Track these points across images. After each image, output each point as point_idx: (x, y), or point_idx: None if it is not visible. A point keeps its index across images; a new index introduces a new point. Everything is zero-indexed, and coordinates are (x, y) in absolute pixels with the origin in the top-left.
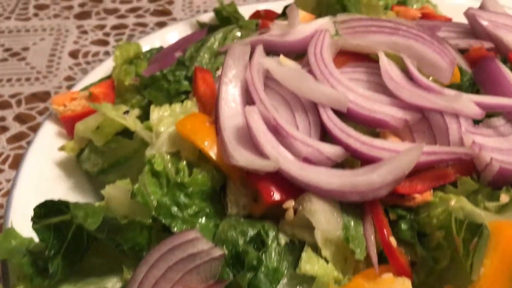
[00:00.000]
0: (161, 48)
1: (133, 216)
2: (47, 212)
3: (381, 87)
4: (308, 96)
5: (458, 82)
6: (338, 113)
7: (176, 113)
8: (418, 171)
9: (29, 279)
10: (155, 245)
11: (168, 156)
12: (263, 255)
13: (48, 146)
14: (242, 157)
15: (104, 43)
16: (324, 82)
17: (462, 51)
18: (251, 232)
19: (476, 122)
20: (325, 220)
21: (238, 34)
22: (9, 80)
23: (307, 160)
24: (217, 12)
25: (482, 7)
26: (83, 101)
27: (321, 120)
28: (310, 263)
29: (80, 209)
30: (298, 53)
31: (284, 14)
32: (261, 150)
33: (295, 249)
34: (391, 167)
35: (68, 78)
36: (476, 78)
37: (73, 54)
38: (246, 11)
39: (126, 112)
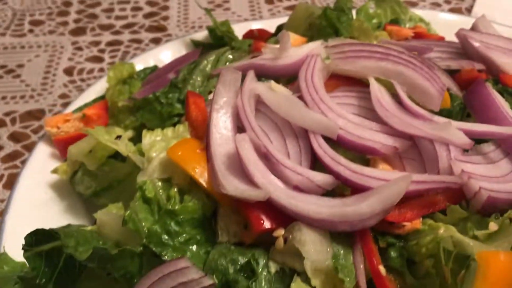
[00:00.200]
0: (155, 67)
1: (125, 242)
2: (39, 240)
3: (372, 112)
4: (298, 122)
5: (448, 107)
6: (328, 138)
7: (168, 138)
8: (407, 199)
9: None
10: (146, 272)
11: (160, 183)
12: (253, 284)
13: (41, 168)
14: (232, 186)
15: (99, 60)
16: (315, 108)
17: (454, 72)
18: (241, 261)
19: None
20: (315, 250)
21: (231, 56)
22: (3, 98)
23: (297, 188)
24: (211, 30)
25: (474, 28)
26: (77, 123)
27: (312, 147)
28: None
29: (71, 237)
30: (290, 77)
31: (277, 33)
32: (251, 178)
33: (285, 277)
34: (380, 197)
35: (63, 96)
36: (467, 102)
37: (68, 71)
38: (240, 29)
39: (119, 136)
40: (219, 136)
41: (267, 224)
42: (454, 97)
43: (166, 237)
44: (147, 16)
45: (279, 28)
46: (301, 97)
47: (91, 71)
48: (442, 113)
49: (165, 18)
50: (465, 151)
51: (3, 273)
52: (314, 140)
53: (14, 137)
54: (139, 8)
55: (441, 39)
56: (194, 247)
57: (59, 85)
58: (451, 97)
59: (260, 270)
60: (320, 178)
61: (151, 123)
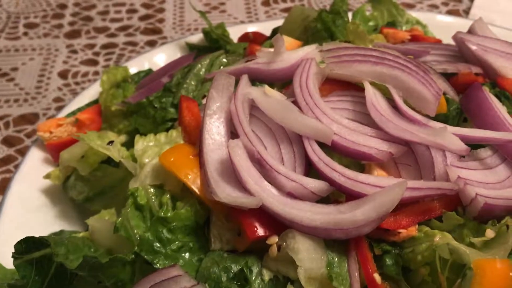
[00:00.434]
0: (149, 70)
1: (117, 249)
2: (29, 248)
3: (367, 117)
4: (293, 128)
5: (444, 112)
6: (323, 144)
7: (161, 143)
8: (402, 206)
9: None
10: (138, 280)
11: (152, 189)
12: None
13: (34, 173)
14: (224, 193)
15: (94, 62)
16: (309, 113)
17: (451, 75)
18: (234, 269)
19: None
20: (309, 258)
21: (225, 60)
22: None
23: (291, 194)
24: (206, 33)
25: (471, 31)
26: (70, 128)
27: (306, 152)
28: None
29: (61, 245)
30: (285, 81)
31: (272, 37)
32: (243, 185)
33: (279, 285)
34: (375, 204)
35: (57, 100)
36: (463, 107)
37: (63, 75)
38: (235, 31)
39: (111, 142)
40: (212, 142)
41: (260, 232)
42: (450, 101)
43: (158, 245)
44: (143, 18)
45: (275, 31)
46: (295, 102)
47: (85, 74)
48: (438, 118)
49: (161, 21)
50: (462, 156)
51: None
52: (308, 146)
53: (8, 141)
54: (134, 11)
55: (438, 41)
56: (187, 255)
57: (53, 88)
58: (447, 101)
59: (253, 278)
60: (314, 184)
61: (144, 127)
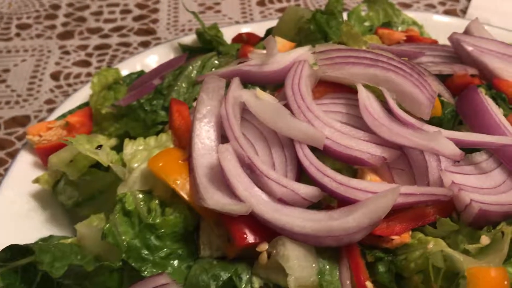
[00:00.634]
0: (141, 72)
1: (105, 256)
2: (14, 256)
3: (360, 121)
4: (284, 132)
5: (439, 115)
6: (315, 148)
7: (151, 147)
8: (396, 212)
9: None
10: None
11: (141, 195)
12: None
13: (23, 177)
14: (213, 200)
15: (87, 64)
16: (301, 116)
17: (446, 77)
18: (224, 276)
19: None
20: (299, 266)
21: (217, 62)
22: None
23: (281, 200)
24: (199, 34)
25: (467, 31)
26: (60, 131)
27: (298, 157)
28: None
29: (47, 252)
30: (277, 84)
31: (266, 37)
32: (233, 191)
33: None
34: (367, 210)
35: (49, 102)
36: (459, 109)
37: (55, 76)
38: (230, 32)
39: (99, 146)
40: (202, 146)
41: (250, 239)
42: (445, 104)
43: (146, 252)
44: (137, 19)
45: (269, 32)
46: (287, 105)
47: (78, 75)
48: (432, 121)
49: (155, 21)
50: (457, 161)
51: None
52: (300, 150)
53: None
54: (128, 11)
55: (434, 42)
56: (176, 262)
57: (45, 90)
58: (442, 104)
59: (243, 286)
60: (305, 190)
61: (135, 131)
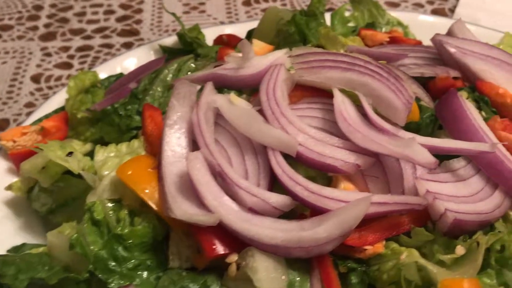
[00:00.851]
0: (120, 75)
1: (74, 266)
2: None
3: (336, 126)
4: (257, 138)
5: (417, 120)
6: (289, 155)
7: (122, 154)
8: (368, 221)
9: None
10: None
11: (110, 203)
12: None
13: None
14: (180, 210)
15: (68, 66)
16: (275, 122)
17: (429, 79)
18: None
19: None
20: (268, 278)
21: (193, 65)
22: None
23: (252, 210)
24: (180, 36)
25: (450, 33)
26: (34, 136)
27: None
28: None
29: (11, 265)
30: (254, 88)
31: (248, 39)
32: (201, 201)
33: None
34: (337, 220)
35: (29, 105)
36: (438, 113)
37: (35, 79)
38: (213, 33)
39: (70, 153)
40: (172, 154)
41: (219, 250)
42: (424, 108)
43: (113, 263)
44: (120, 19)
45: (250, 34)
46: (261, 111)
47: (59, 78)
48: (410, 126)
49: (138, 22)
50: (433, 168)
51: None
52: (272, 157)
53: None
54: (111, 12)
55: (418, 43)
56: (145, 273)
57: (25, 93)
58: (421, 108)
59: None
60: (276, 199)
61: (110, 136)
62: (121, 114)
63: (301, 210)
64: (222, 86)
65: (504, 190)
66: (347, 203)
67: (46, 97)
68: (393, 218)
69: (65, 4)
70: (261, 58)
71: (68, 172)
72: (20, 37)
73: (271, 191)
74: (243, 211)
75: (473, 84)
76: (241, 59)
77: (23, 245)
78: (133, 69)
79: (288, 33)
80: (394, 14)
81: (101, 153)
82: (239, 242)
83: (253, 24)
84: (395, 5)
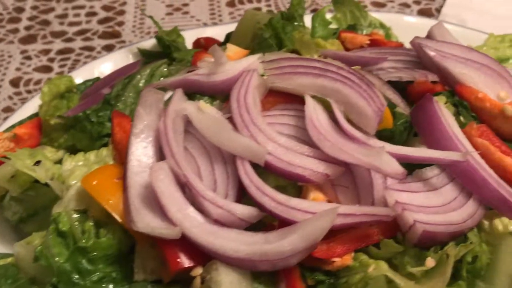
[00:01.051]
0: (97, 79)
1: (41, 278)
2: None
3: (308, 133)
4: (226, 147)
5: (390, 127)
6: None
7: (90, 163)
8: (337, 232)
9: None
10: None
11: (76, 214)
12: None
13: None
14: (143, 223)
15: (48, 69)
16: (244, 131)
17: (408, 84)
18: None
19: (408, 172)
20: None
21: (165, 70)
22: None
23: (218, 222)
24: (159, 39)
25: (429, 35)
26: (7, 143)
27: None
28: None
29: None
30: (227, 94)
31: (226, 43)
32: (165, 213)
33: None
34: (302, 233)
35: (7, 110)
36: (413, 120)
37: (14, 83)
38: (192, 35)
39: (38, 162)
40: (137, 164)
41: (184, 263)
42: (398, 115)
43: (77, 276)
44: (102, 21)
45: (228, 37)
46: (232, 118)
47: (38, 82)
48: (383, 134)
49: (120, 24)
50: (409, 173)
51: None
52: (241, 167)
53: None
54: (94, 13)
55: (399, 46)
56: (110, 286)
57: (3, 97)
58: (395, 115)
59: None
60: (242, 211)
61: (81, 143)
62: (93, 120)
63: (270, 220)
64: (195, 92)
65: (479, 199)
66: (314, 214)
67: (24, 102)
68: (362, 229)
69: (47, 6)
70: (234, 64)
71: (38, 181)
72: (0, 40)
73: (240, 201)
74: (208, 223)
75: (453, 88)
76: (214, 64)
77: None
78: (108, 74)
79: (263, 37)
80: (377, 15)
81: (69, 162)
82: (204, 255)
83: (229, 27)
84: (381, 5)
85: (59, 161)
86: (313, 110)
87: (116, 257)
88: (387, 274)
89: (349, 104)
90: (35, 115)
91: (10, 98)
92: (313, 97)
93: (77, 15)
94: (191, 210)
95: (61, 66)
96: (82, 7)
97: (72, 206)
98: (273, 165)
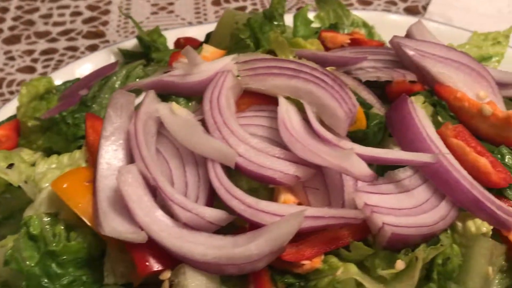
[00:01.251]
0: (77, 80)
1: (14, 282)
2: None
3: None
4: (197, 149)
5: (363, 128)
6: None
7: (63, 166)
8: (306, 235)
9: None
10: None
11: (47, 218)
12: None
13: None
14: (110, 227)
15: (31, 70)
16: (216, 133)
17: (388, 83)
18: None
19: (381, 173)
20: None
21: (141, 71)
22: None
23: (187, 225)
24: (140, 39)
25: (408, 35)
26: None
27: None
28: None
29: None
30: (201, 95)
31: (207, 42)
32: (132, 217)
33: None
34: (269, 237)
35: None
36: (388, 120)
37: None
38: (174, 35)
39: (11, 165)
40: (107, 167)
41: (152, 266)
42: (372, 116)
43: (46, 280)
44: (86, 21)
45: (208, 37)
46: (204, 120)
47: (21, 83)
48: (357, 135)
49: (105, 23)
50: (380, 174)
51: None
52: (211, 170)
53: None
54: (78, 13)
55: (380, 45)
56: None
57: None
58: (368, 116)
59: None
60: (211, 214)
61: (58, 145)
62: (69, 122)
63: (242, 223)
64: (170, 93)
65: (452, 201)
66: (282, 217)
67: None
68: (332, 232)
69: (31, 6)
70: (209, 64)
71: None
72: None
73: (211, 204)
74: (177, 227)
75: (432, 87)
76: (188, 65)
77: None
78: (86, 75)
79: (239, 37)
80: (361, 14)
81: (42, 165)
82: (173, 259)
83: (209, 27)
84: (367, 3)
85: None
86: (286, 112)
87: (87, 260)
88: (356, 277)
89: (321, 105)
90: (14, 116)
91: None
92: (287, 98)
93: (62, 14)
94: (160, 214)
95: (44, 67)
96: (67, 6)
97: (44, 209)
98: (244, 168)
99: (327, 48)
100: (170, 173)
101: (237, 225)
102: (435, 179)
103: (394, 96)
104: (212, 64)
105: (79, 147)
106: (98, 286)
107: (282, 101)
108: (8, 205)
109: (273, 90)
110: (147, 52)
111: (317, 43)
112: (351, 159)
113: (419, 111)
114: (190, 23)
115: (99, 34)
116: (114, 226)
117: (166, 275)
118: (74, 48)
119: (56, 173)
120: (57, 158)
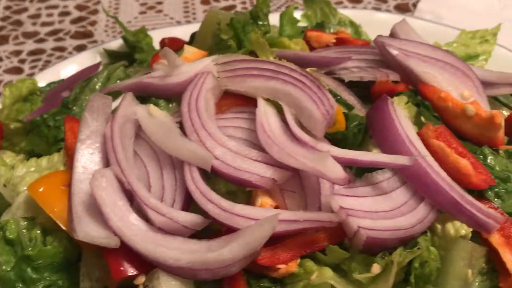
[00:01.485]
0: (62, 81)
1: None
2: None
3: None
4: (173, 152)
5: (343, 129)
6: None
7: (42, 169)
8: (281, 239)
9: None
10: None
11: (24, 222)
12: None
13: None
14: (83, 232)
15: (19, 71)
16: (193, 135)
17: (372, 83)
18: None
19: (361, 176)
20: None
21: (122, 73)
22: None
23: (162, 230)
24: (125, 39)
25: (392, 34)
26: None
27: None
28: None
29: None
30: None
31: (191, 43)
32: (106, 222)
33: None
34: (242, 241)
35: None
36: (368, 121)
37: None
38: (160, 35)
39: None
40: (83, 171)
41: (126, 271)
42: (352, 117)
43: (21, 286)
44: (75, 21)
45: (193, 37)
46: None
47: (7, 84)
48: (336, 137)
49: (93, 23)
50: (358, 176)
51: None
52: (188, 173)
53: None
54: (67, 13)
55: (365, 44)
56: None
57: None
58: (347, 117)
59: None
60: (185, 218)
61: (39, 148)
62: (50, 125)
63: (219, 227)
64: (150, 95)
65: (431, 203)
66: (257, 221)
67: None
68: (308, 235)
69: (20, 6)
70: (189, 66)
71: None
72: None
73: (188, 207)
74: (151, 231)
75: (416, 87)
76: (168, 66)
77: None
78: (69, 76)
79: (220, 38)
80: (348, 12)
81: (21, 168)
82: (148, 263)
83: (194, 27)
84: (357, 1)
85: None
86: (264, 114)
87: (62, 265)
88: (331, 282)
89: (299, 107)
90: None
91: None
92: (267, 99)
93: (50, 15)
94: (134, 218)
95: (31, 68)
96: (55, 6)
97: (21, 213)
98: (220, 171)
99: (312, 48)
100: (148, 176)
101: (214, 229)
102: (413, 181)
103: (377, 96)
104: (192, 65)
105: (60, 150)
106: None
107: (260, 103)
108: None
109: (252, 91)
110: (132, 52)
111: (302, 42)
112: (327, 162)
113: (400, 112)
114: (179, 22)
115: (87, 34)
116: (88, 231)
117: (141, 279)
118: (61, 49)
119: (35, 176)
120: (36, 161)
